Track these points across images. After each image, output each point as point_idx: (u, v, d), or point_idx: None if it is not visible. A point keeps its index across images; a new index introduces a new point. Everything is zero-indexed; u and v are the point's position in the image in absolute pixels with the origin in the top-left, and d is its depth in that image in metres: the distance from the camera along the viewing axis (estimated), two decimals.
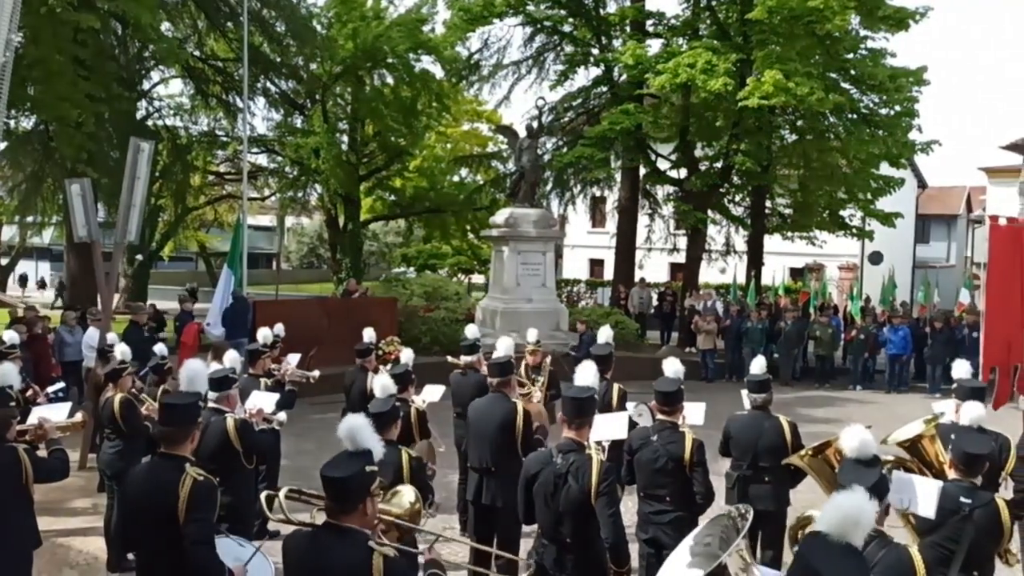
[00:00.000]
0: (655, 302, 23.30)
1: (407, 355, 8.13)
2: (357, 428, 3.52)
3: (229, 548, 4.39)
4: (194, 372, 5.15)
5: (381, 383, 5.79)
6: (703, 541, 3.27)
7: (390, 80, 24.49)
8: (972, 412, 5.30)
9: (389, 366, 8.71)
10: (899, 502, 4.32)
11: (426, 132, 26.42)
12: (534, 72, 24.89)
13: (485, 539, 6.18)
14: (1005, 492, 5.68)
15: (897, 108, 20.54)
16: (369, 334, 9.56)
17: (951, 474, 4.69)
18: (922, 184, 37.46)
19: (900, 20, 19.57)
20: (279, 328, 10.47)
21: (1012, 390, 9.23)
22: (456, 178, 28.90)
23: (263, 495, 3.85)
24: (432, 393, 7.88)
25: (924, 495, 4.24)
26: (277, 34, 21.49)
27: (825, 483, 5.04)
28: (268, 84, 23.29)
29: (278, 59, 22.19)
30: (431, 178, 26.99)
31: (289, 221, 45.02)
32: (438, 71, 24.70)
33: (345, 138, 25.14)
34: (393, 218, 32.60)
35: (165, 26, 20.50)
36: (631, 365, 14.72)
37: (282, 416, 7.34)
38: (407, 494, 4.22)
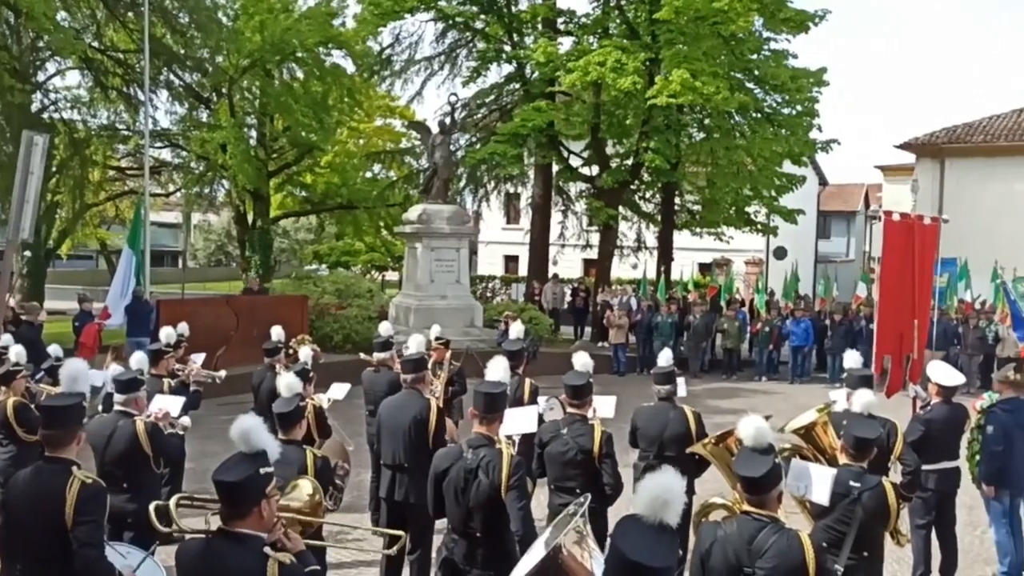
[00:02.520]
0: (568, 298, 23.57)
1: (305, 353, 8.01)
2: (250, 429, 3.41)
3: (116, 557, 4.25)
4: (76, 372, 4.96)
5: (286, 382, 5.70)
6: (547, 535, 3.35)
7: (300, 74, 24.04)
8: (862, 399, 5.54)
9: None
10: (796, 489, 4.47)
11: (338, 127, 26.03)
12: (447, 68, 24.89)
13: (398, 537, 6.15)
14: (894, 476, 5.95)
15: (799, 108, 21.27)
16: (277, 332, 9.39)
17: (842, 459, 4.89)
18: (823, 182, 38.76)
19: (800, 22, 20.26)
20: (183, 327, 10.19)
21: (904, 379, 9.66)
22: (369, 174, 28.55)
23: (151, 506, 3.73)
24: (338, 391, 7.79)
25: (819, 482, 4.40)
26: (180, 25, 20.84)
27: (726, 471, 5.19)
28: (171, 77, 22.55)
29: (182, 51, 21.53)
30: (343, 174, 26.57)
31: (195, 218, 43.70)
32: (349, 66, 24.42)
33: (253, 133, 24.60)
34: (304, 214, 32.06)
35: (61, 15, 19.65)
36: (545, 360, 14.89)
37: (186, 421, 7.15)
38: (305, 486, 4.16)
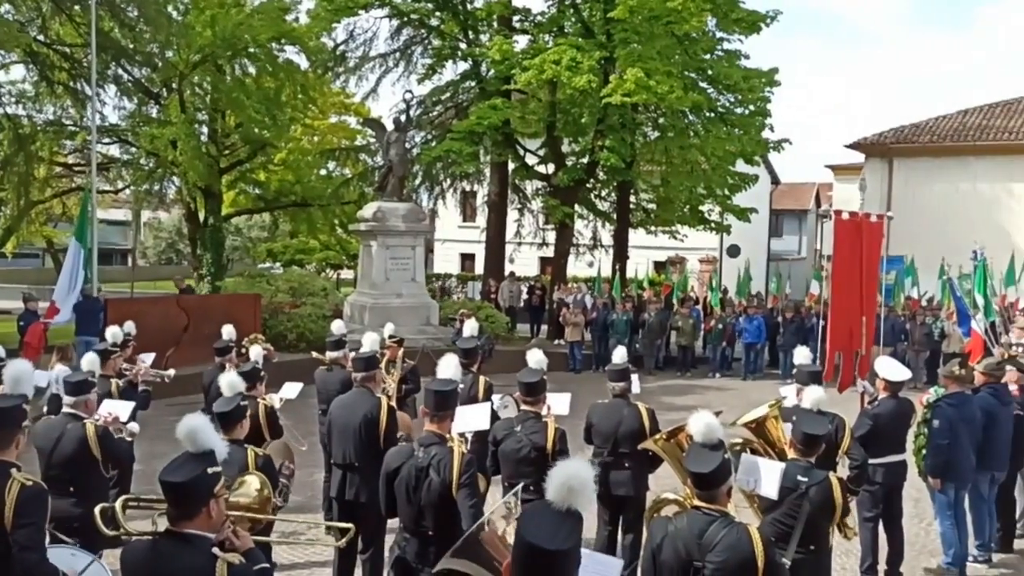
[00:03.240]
0: (525, 296, 23.60)
1: (255, 352, 7.90)
2: (197, 428, 3.36)
3: (63, 558, 4.15)
4: (19, 373, 4.83)
5: (227, 381, 5.62)
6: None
7: (252, 70, 23.69)
8: (813, 395, 5.62)
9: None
10: (746, 483, 4.52)
11: (291, 124, 25.70)
12: (402, 65, 24.72)
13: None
14: (842, 470, 6.05)
15: (751, 108, 21.54)
16: (228, 331, 9.26)
17: (791, 454, 4.96)
18: (775, 181, 39.33)
19: (752, 23, 20.53)
20: (129, 326, 9.99)
21: (854, 374, 9.82)
22: (323, 171, 28.24)
23: (97, 508, 3.64)
24: (290, 391, 7.70)
25: (768, 476, 4.45)
26: (129, 19, 20.39)
27: (677, 466, 5.23)
28: (120, 71, 22.09)
29: (130, 45, 21.07)
30: (297, 171, 26.26)
31: (145, 215, 42.97)
32: (303, 62, 24.10)
33: (205, 129, 24.19)
34: (257, 212, 31.63)
35: (5, 8, 19.15)
36: (500, 358, 14.92)
37: (134, 427, 7.01)
38: (253, 482, 4.11)
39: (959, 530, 7.33)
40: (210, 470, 3.27)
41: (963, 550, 7.39)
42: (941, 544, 7.48)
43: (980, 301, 13.86)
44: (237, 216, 31.80)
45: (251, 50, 22.55)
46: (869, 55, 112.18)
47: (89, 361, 7.07)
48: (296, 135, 28.68)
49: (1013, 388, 8.14)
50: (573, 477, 2.73)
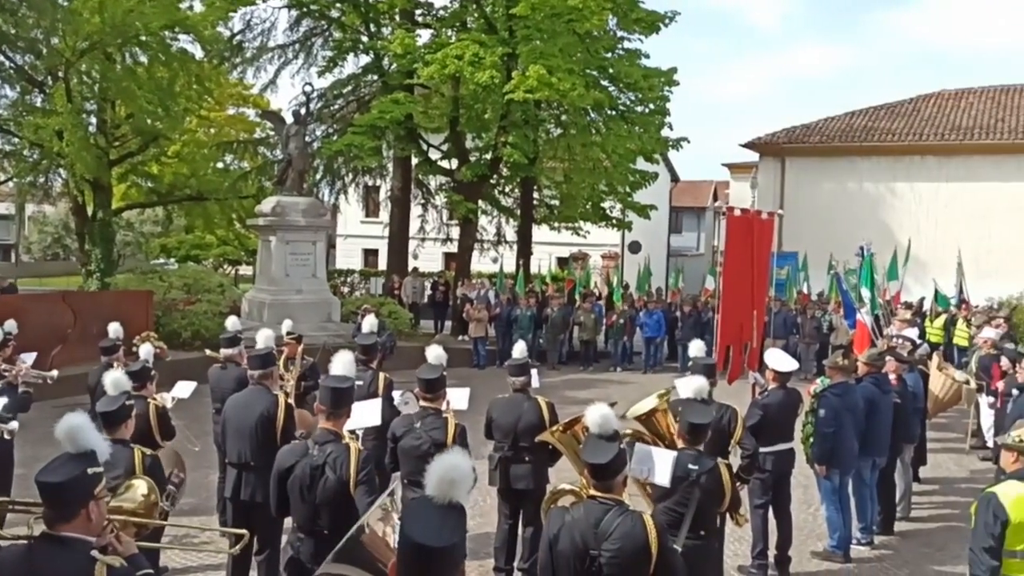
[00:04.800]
0: (428, 291, 23.50)
1: (145, 351, 7.65)
2: (77, 427, 3.23)
3: None
4: None
5: (112, 379, 5.42)
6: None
7: (144, 59, 22.76)
8: (694, 384, 5.78)
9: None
10: (640, 472, 4.61)
11: (186, 115, 24.83)
12: (301, 57, 24.23)
13: None
14: (734, 459, 6.23)
15: (651, 106, 21.96)
16: (115, 329, 8.92)
17: (680, 444, 5.08)
18: (675, 178, 40.23)
19: (652, 23, 20.95)
20: (10, 324, 9.51)
21: (743, 366, 10.14)
22: (220, 164, 27.45)
23: None
24: (182, 390, 7.47)
25: (661, 465, 4.55)
26: (10, 3, 19.39)
27: (573, 458, 5.30)
28: (1, 58, 21.02)
29: (12, 31, 20.06)
30: (192, 164, 25.41)
31: (29, 209, 40.97)
32: (198, 51, 23.32)
33: (93, 119, 23.15)
34: (150, 206, 30.49)
35: None
36: (404, 354, 14.84)
37: (13, 425, 6.68)
38: (140, 486, 3.98)
39: (843, 514, 7.66)
40: (90, 471, 3.16)
41: (847, 533, 7.72)
42: (827, 528, 7.80)
43: (866, 295, 14.48)
44: (128, 210, 30.57)
45: (142, 38, 21.65)
46: (765, 57, 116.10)
47: None
48: (191, 127, 27.79)
49: (892, 377, 8.56)
50: (452, 470, 2.72)
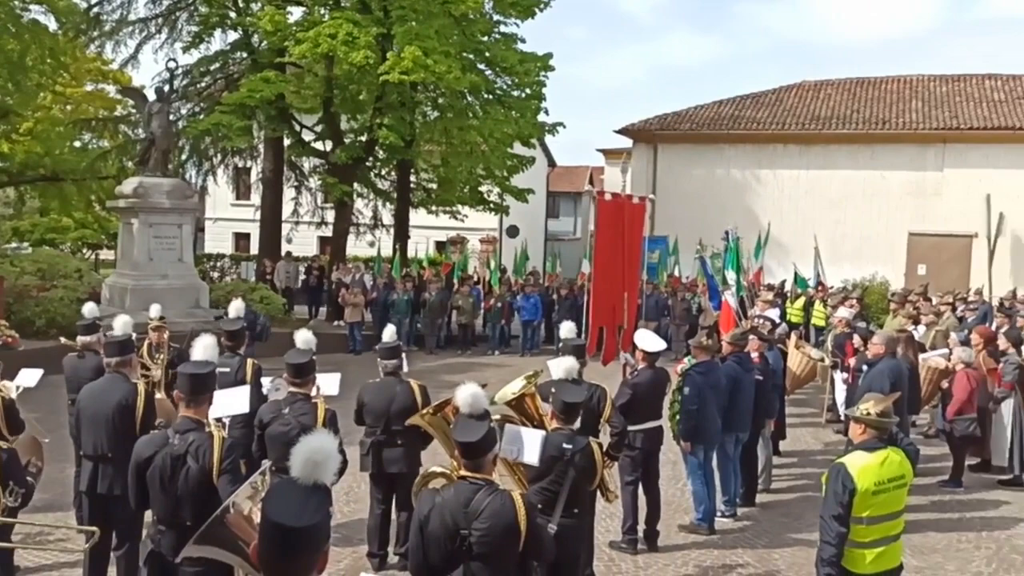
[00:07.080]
0: (303, 276, 23.00)
1: None
2: None
3: None
4: None
5: None
6: None
7: None
8: (564, 365, 5.86)
9: None
10: (510, 452, 4.64)
11: (39, 91, 23.41)
12: (165, 31, 23.09)
13: (103, 531, 5.68)
14: (604, 437, 6.36)
15: (527, 91, 22.08)
16: None
17: (553, 424, 5.14)
18: (552, 163, 40.68)
19: (527, 7, 21.03)
20: None
21: (618, 347, 10.37)
22: (78, 143, 26.00)
23: None
24: (28, 378, 7.04)
25: (530, 444, 4.60)
26: None
27: (444, 439, 5.28)
28: None
29: None
30: (47, 143, 23.95)
31: None
32: (51, 23, 21.96)
33: None
34: (0, 187, 28.65)
35: None
36: (277, 340, 14.40)
37: None
38: None
39: (708, 488, 7.95)
40: None
41: (712, 506, 8.02)
42: (693, 502, 8.08)
43: (732, 278, 15.04)
44: None
45: None
46: (638, 46, 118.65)
47: None
48: (45, 103, 26.23)
49: (755, 356, 8.93)
50: (317, 451, 2.68)
